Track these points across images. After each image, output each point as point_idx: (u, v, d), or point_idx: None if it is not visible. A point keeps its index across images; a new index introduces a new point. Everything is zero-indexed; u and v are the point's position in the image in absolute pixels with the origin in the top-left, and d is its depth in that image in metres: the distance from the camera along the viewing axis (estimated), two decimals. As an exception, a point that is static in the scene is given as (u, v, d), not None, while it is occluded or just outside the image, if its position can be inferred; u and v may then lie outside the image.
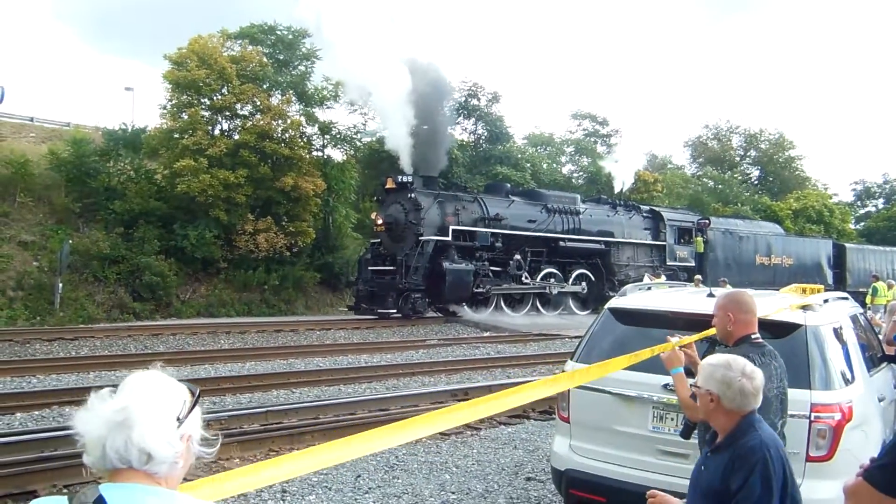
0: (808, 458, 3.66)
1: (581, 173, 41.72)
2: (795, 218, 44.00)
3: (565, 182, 37.89)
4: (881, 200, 57.13)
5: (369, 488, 5.89)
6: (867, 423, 4.06)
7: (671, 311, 4.50)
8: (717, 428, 2.73)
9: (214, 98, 23.91)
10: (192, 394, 1.51)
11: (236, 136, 24.39)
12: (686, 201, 40.60)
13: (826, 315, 4.24)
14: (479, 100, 34.40)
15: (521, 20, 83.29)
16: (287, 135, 24.85)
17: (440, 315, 21.32)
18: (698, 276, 21.05)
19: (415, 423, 2.52)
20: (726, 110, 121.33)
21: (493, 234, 21.50)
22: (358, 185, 29.86)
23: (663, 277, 21.27)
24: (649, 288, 5.68)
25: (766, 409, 3.26)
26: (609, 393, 4.37)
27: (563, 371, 4.81)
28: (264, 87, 24.95)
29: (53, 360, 12.61)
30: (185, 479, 1.64)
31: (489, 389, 8.25)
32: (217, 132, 24.50)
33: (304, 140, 26.03)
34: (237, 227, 23.34)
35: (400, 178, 20.78)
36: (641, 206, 27.51)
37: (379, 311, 20.19)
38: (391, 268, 20.30)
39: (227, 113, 24.70)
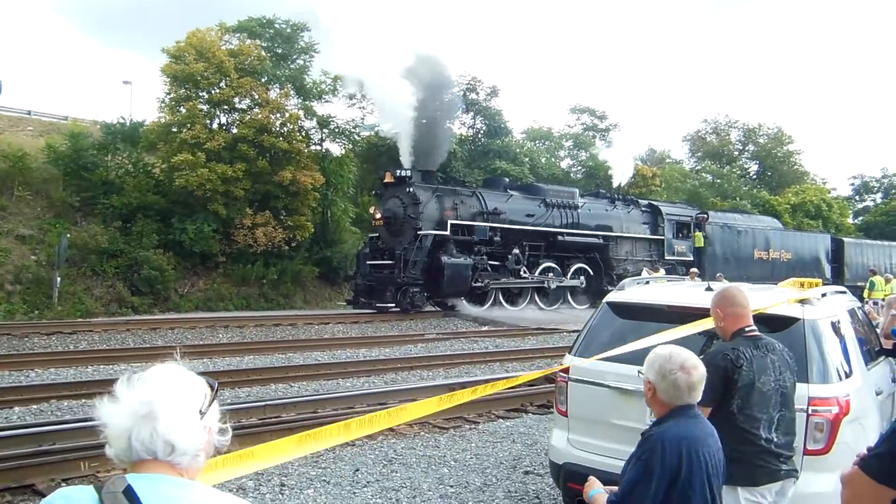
0: (806, 452, 3.67)
1: (580, 167, 41.71)
2: (794, 212, 44.01)
3: (564, 176, 37.87)
4: (879, 195, 57.22)
5: (368, 482, 5.90)
6: (865, 417, 4.06)
7: (669, 305, 4.51)
8: (654, 416, 2.76)
9: (212, 92, 23.86)
10: (212, 387, 1.56)
11: (234, 130, 24.37)
12: (684, 196, 40.54)
13: (824, 309, 4.24)
14: (477, 94, 34.33)
15: (520, 14, 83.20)
16: (285, 129, 24.80)
17: (438, 309, 21.33)
18: (694, 270, 21.05)
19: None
20: (725, 105, 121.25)
21: (491, 228, 21.45)
22: (356, 179, 29.83)
23: (662, 272, 21.27)
24: (647, 282, 5.70)
25: (765, 402, 3.27)
26: (607, 387, 4.37)
27: (561, 364, 4.82)
28: (262, 80, 24.88)
29: (51, 353, 12.59)
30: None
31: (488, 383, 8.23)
32: (215, 126, 24.46)
33: (303, 134, 26.00)
34: (235, 221, 23.32)
35: (398, 172, 20.73)
36: (640, 201, 27.45)
37: (377, 305, 20.16)
38: (389, 262, 20.24)
39: (226, 107, 24.66)
